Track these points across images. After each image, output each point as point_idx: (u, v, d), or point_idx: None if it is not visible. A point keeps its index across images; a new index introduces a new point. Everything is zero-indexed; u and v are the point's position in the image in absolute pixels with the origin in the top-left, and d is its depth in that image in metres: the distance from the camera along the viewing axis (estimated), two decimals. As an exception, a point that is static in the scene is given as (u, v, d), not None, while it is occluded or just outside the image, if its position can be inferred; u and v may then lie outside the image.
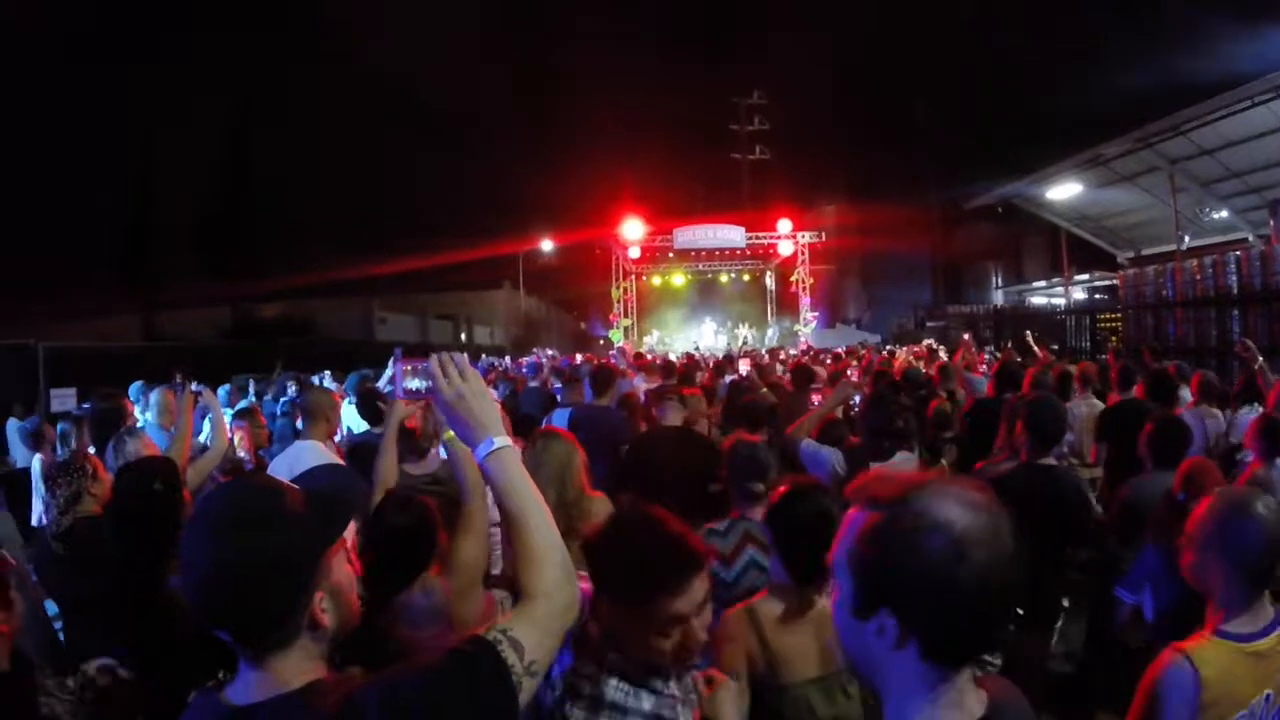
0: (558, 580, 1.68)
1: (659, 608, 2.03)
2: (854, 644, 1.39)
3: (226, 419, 5.99)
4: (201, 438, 6.09)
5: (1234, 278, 15.84)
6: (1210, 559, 2.40)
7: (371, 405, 6.06)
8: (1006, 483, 4.62)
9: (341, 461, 4.94)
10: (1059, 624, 4.68)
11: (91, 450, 5.29)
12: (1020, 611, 4.39)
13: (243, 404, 9.38)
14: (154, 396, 6.70)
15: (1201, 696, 2.24)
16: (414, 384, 2.04)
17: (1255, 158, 22.18)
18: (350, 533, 1.64)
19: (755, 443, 4.19)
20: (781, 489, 2.99)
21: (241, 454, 6.15)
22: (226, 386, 11.13)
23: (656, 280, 39.26)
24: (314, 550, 1.55)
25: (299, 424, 5.54)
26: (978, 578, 1.25)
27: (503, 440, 1.80)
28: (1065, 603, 4.76)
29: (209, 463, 4.87)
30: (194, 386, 5.30)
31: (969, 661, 1.39)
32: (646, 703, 2.10)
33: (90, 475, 3.79)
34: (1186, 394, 7.45)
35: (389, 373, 8.97)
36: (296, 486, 1.64)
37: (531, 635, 1.56)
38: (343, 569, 1.62)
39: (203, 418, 5.79)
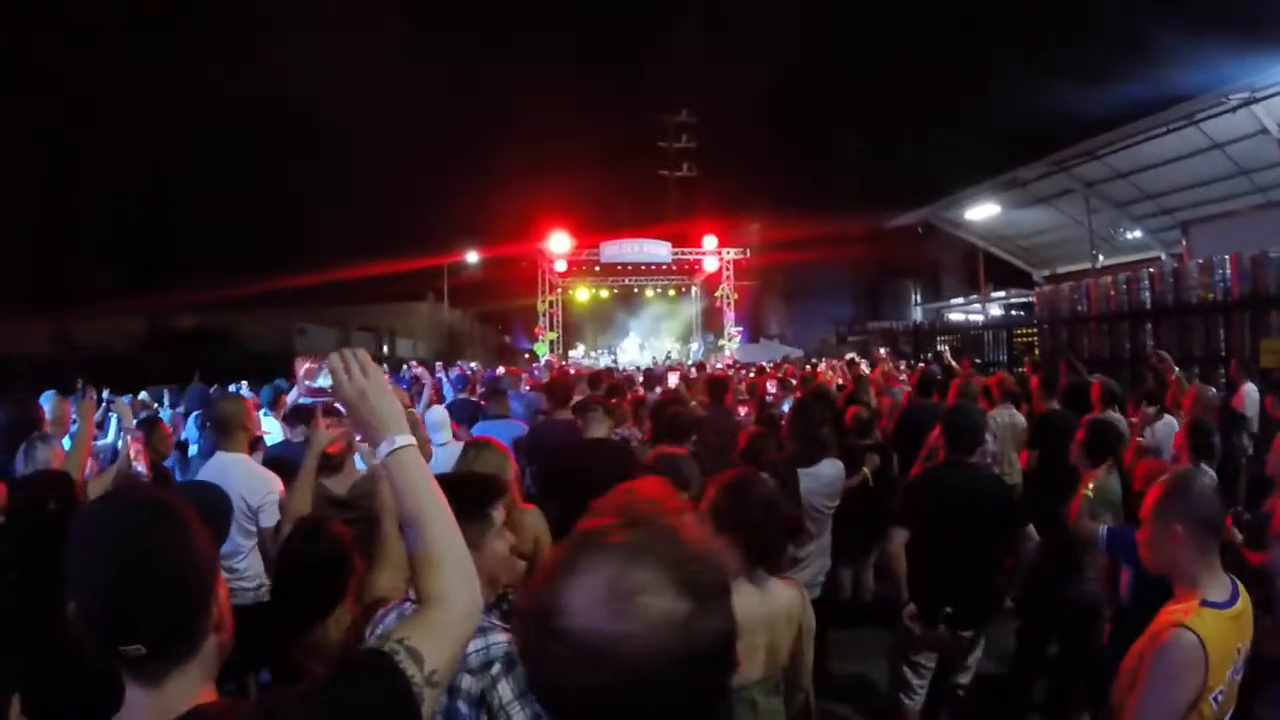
0: (457, 585, 1.61)
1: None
2: None
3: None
4: (110, 439, 5.87)
5: (1147, 293, 16.24)
6: (1169, 526, 2.61)
7: (304, 422, 5.78)
8: (927, 480, 4.71)
9: (271, 478, 4.75)
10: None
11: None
12: (949, 610, 4.44)
13: (159, 415, 9.15)
14: (48, 404, 6.47)
15: (1209, 659, 2.41)
16: (318, 382, 1.94)
17: (1168, 181, 22.92)
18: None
19: (678, 455, 4.18)
20: (724, 478, 3.06)
21: (139, 468, 5.94)
22: (127, 397, 10.81)
23: (582, 294, 39.17)
24: (215, 551, 1.51)
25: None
26: (566, 691, 1.06)
27: (405, 439, 1.71)
28: (1009, 602, 4.82)
29: (111, 477, 4.70)
30: (105, 396, 5.11)
31: None
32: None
33: None
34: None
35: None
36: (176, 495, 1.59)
37: (430, 643, 1.48)
38: (222, 580, 1.57)
39: (119, 428, 5.59)
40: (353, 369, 1.74)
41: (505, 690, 2.05)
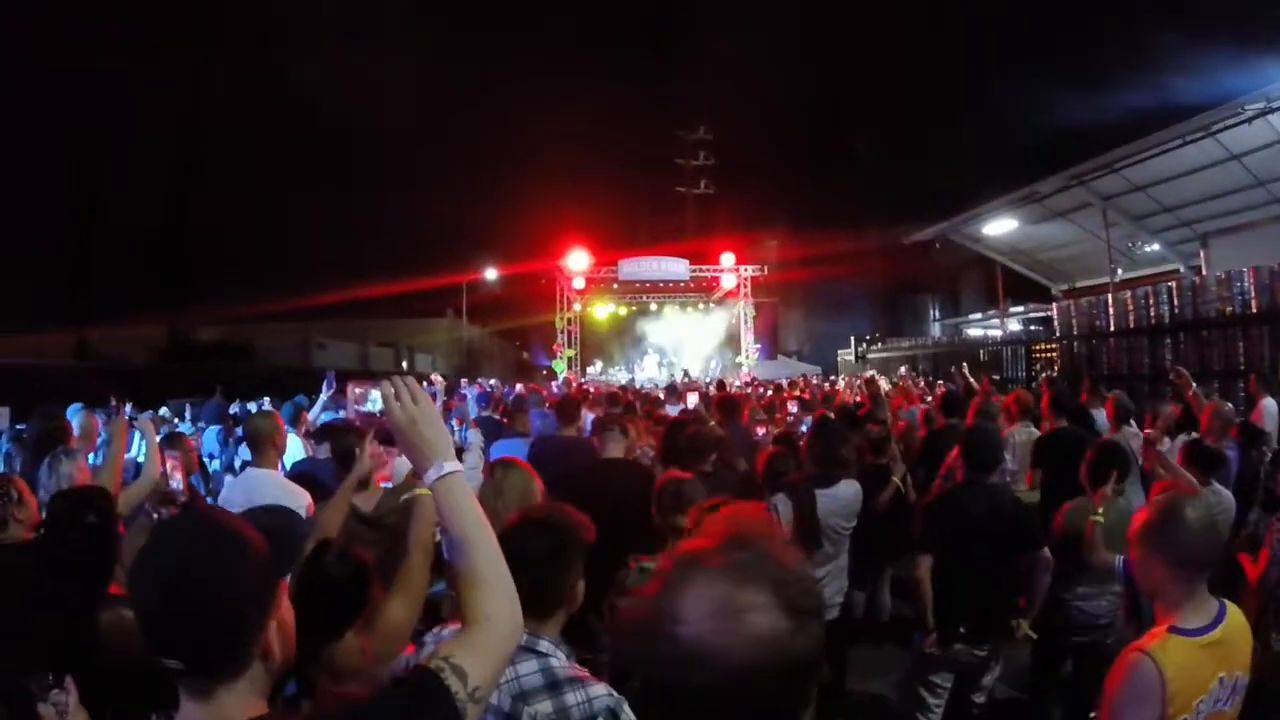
0: (501, 605, 1.67)
1: None
2: None
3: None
4: (133, 454, 5.93)
5: (1166, 308, 16.20)
6: (1151, 557, 2.66)
7: (339, 445, 5.69)
8: (947, 501, 4.73)
9: (300, 493, 4.77)
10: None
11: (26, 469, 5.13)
12: (963, 630, 4.45)
13: (180, 429, 9.22)
14: (75, 417, 6.54)
15: (1166, 690, 2.44)
16: (366, 406, 2.01)
17: (1186, 193, 22.79)
18: None
19: (682, 478, 4.19)
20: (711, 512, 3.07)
21: (175, 483, 5.99)
22: (149, 413, 10.85)
23: (600, 311, 39.15)
24: (272, 580, 1.56)
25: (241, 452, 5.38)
26: (667, 689, 1.17)
27: (453, 465, 1.78)
28: (1028, 631, 4.80)
29: (139, 491, 4.71)
30: (128, 411, 5.15)
31: None
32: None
33: (15, 500, 3.64)
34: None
35: (322, 399, 8.85)
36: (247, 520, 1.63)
37: (474, 661, 1.54)
38: (286, 604, 1.63)
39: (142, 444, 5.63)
40: (404, 396, 1.81)
41: None
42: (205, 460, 8.77)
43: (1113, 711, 2.55)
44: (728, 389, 15.42)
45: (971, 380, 12.39)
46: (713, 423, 7.79)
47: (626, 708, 2.29)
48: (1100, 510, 4.50)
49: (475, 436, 6.13)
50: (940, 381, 17.37)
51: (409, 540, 2.89)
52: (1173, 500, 2.72)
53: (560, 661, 2.37)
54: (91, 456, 5.49)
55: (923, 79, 47.00)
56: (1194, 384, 7.45)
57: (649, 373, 37.44)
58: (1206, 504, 2.69)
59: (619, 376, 35.88)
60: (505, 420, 8.57)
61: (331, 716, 1.50)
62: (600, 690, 2.29)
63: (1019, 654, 5.25)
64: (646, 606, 1.21)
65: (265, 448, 5.02)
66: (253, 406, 12.22)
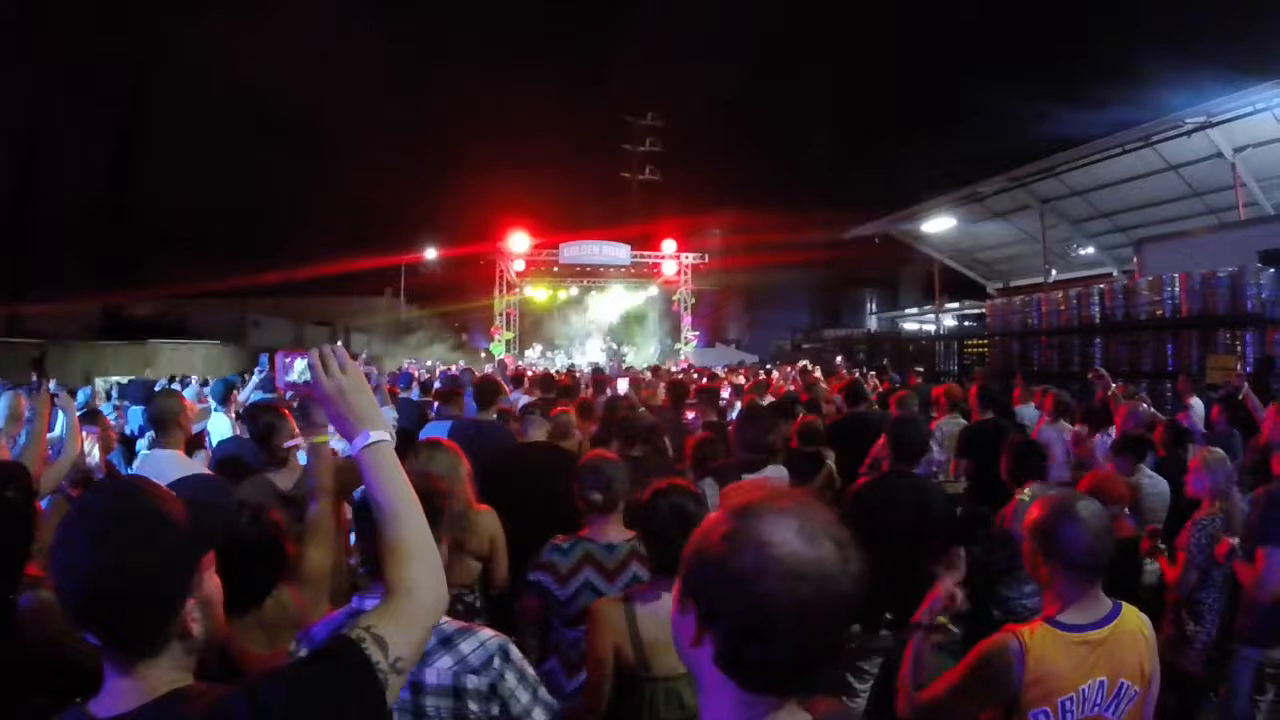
0: (425, 577, 1.68)
1: None
2: (676, 632, 1.39)
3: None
4: (56, 432, 5.76)
5: (1098, 309, 16.53)
6: (1040, 556, 2.61)
7: (257, 424, 5.43)
8: (874, 491, 4.75)
9: (206, 471, 4.68)
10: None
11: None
12: (889, 618, 4.46)
13: (103, 408, 9.00)
14: (3, 400, 6.36)
15: (1026, 673, 2.45)
16: (291, 376, 1.96)
17: (1124, 200, 23.34)
18: None
19: (605, 458, 4.15)
20: (652, 487, 3.16)
21: (94, 460, 5.85)
22: (88, 389, 10.58)
23: (540, 294, 38.92)
24: (192, 559, 1.53)
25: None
26: (778, 602, 1.24)
27: (380, 434, 1.78)
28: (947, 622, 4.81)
29: (60, 469, 4.59)
30: (51, 387, 5.01)
31: (774, 690, 1.34)
32: None
33: None
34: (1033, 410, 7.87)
35: (255, 380, 8.66)
36: (175, 494, 1.59)
37: (396, 632, 1.55)
38: (212, 581, 1.59)
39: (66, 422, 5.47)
40: (331, 365, 1.81)
41: (510, 677, 2.35)
42: (133, 436, 8.58)
43: (960, 675, 2.58)
44: (665, 374, 15.41)
45: (893, 375, 12.54)
46: (642, 408, 7.78)
47: (513, 645, 2.43)
48: (1027, 491, 4.55)
49: (389, 413, 6.02)
50: (873, 372, 17.55)
51: (315, 490, 2.92)
52: (1065, 501, 2.65)
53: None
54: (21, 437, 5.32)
55: (872, 76, 47.46)
56: (1113, 385, 7.61)
57: (590, 357, 37.35)
58: (1099, 508, 2.59)
59: (557, 360, 35.71)
60: (439, 402, 8.42)
61: (249, 687, 1.43)
62: (488, 634, 2.41)
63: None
64: (726, 546, 1.28)
65: (171, 428, 4.93)
66: (179, 387, 11.94)
